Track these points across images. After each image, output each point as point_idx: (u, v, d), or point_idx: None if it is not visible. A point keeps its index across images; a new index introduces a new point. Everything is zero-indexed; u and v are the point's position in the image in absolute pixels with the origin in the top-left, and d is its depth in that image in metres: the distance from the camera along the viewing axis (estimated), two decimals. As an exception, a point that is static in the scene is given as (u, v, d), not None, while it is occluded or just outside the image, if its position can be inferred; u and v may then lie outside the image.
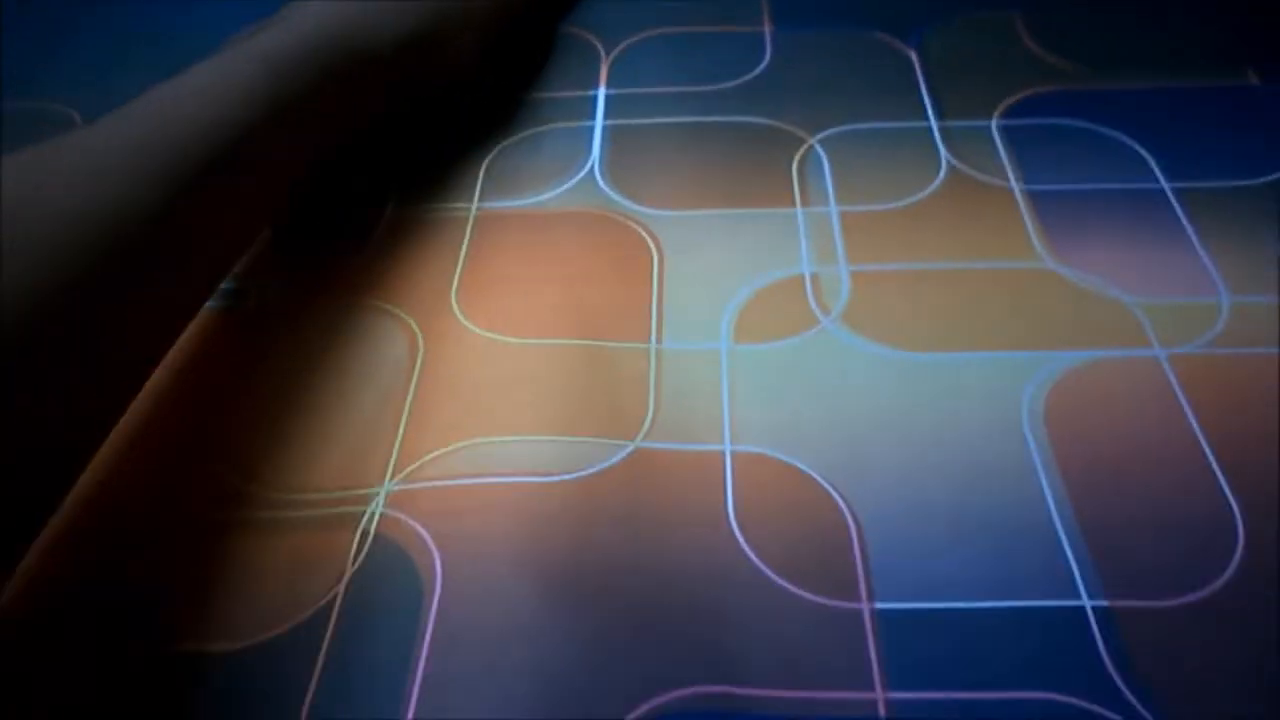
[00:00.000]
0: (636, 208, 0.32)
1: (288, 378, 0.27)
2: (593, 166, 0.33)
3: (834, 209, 0.32)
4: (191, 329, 0.29)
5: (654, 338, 0.28)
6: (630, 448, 0.24)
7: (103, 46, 0.42)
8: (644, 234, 0.31)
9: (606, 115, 0.36)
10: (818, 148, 0.35)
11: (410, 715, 0.18)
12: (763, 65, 0.38)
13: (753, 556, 0.22)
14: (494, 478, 0.22)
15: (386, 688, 0.19)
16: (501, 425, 0.24)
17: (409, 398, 0.26)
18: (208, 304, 0.30)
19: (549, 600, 0.19)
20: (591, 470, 0.23)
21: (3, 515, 0.19)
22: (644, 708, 0.19)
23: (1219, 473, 0.24)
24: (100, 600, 0.22)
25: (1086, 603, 0.22)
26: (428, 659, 0.19)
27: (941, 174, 0.33)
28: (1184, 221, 0.31)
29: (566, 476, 0.22)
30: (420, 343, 0.28)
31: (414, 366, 0.27)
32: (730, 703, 0.19)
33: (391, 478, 0.24)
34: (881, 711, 0.20)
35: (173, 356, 0.28)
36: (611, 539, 0.21)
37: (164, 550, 0.23)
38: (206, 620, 0.22)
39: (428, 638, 0.20)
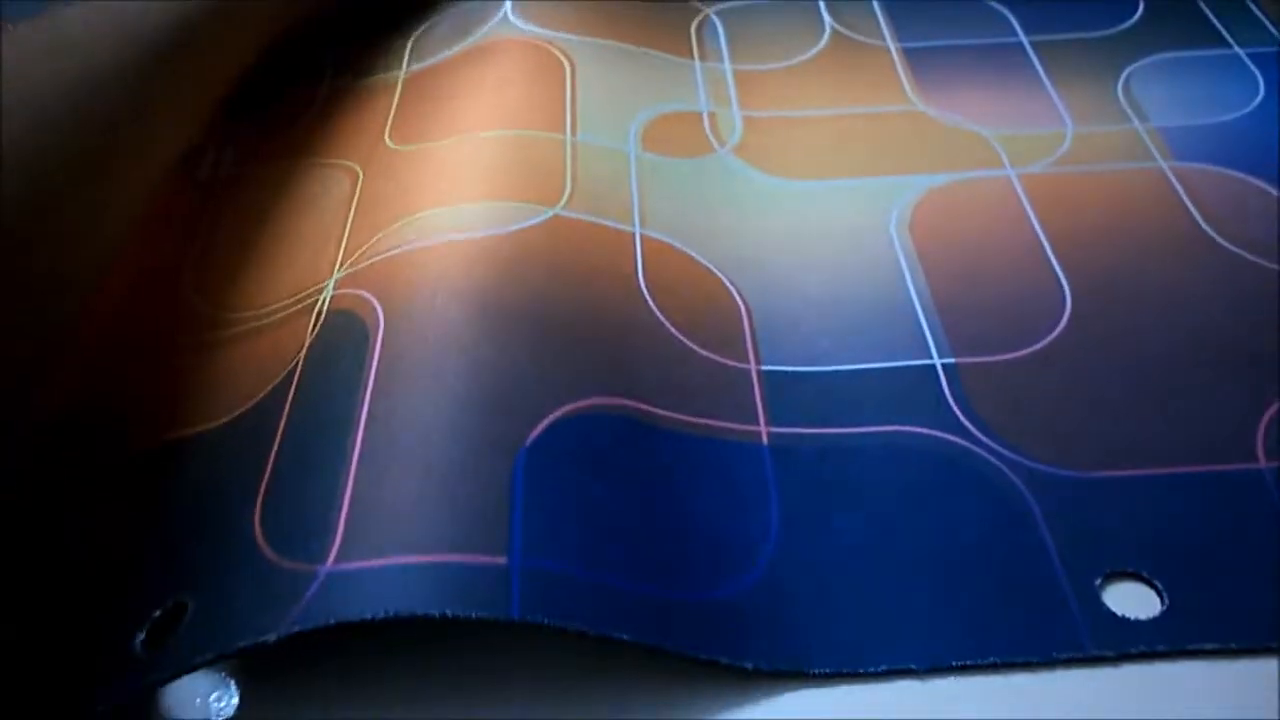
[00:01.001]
0: (549, 33, 0.34)
1: (243, 226, 0.30)
2: (505, 14, 0.35)
3: (728, 66, 0.35)
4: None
5: (569, 131, 0.30)
6: (550, 213, 0.27)
7: None
8: (556, 52, 0.33)
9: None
10: (714, 17, 0.38)
11: (364, 412, 0.21)
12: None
13: (658, 314, 0.26)
14: (427, 239, 0.25)
15: (343, 403, 0.22)
16: (432, 200, 0.26)
17: (351, 210, 0.29)
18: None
19: (481, 319, 0.22)
20: (516, 227, 0.25)
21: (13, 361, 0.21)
22: (570, 406, 0.22)
23: (1053, 261, 0.28)
24: (104, 405, 0.25)
25: (936, 361, 0.25)
26: (377, 367, 0.22)
27: (826, 37, 0.37)
28: (1038, 68, 0.35)
29: (493, 231, 0.25)
30: (360, 173, 0.30)
31: (355, 190, 0.30)
32: (643, 415, 0.23)
33: (339, 268, 0.27)
34: (764, 440, 0.24)
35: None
36: (536, 278, 0.24)
37: (151, 366, 0.26)
38: (191, 411, 0.25)
39: (375, 358, 0.22)
